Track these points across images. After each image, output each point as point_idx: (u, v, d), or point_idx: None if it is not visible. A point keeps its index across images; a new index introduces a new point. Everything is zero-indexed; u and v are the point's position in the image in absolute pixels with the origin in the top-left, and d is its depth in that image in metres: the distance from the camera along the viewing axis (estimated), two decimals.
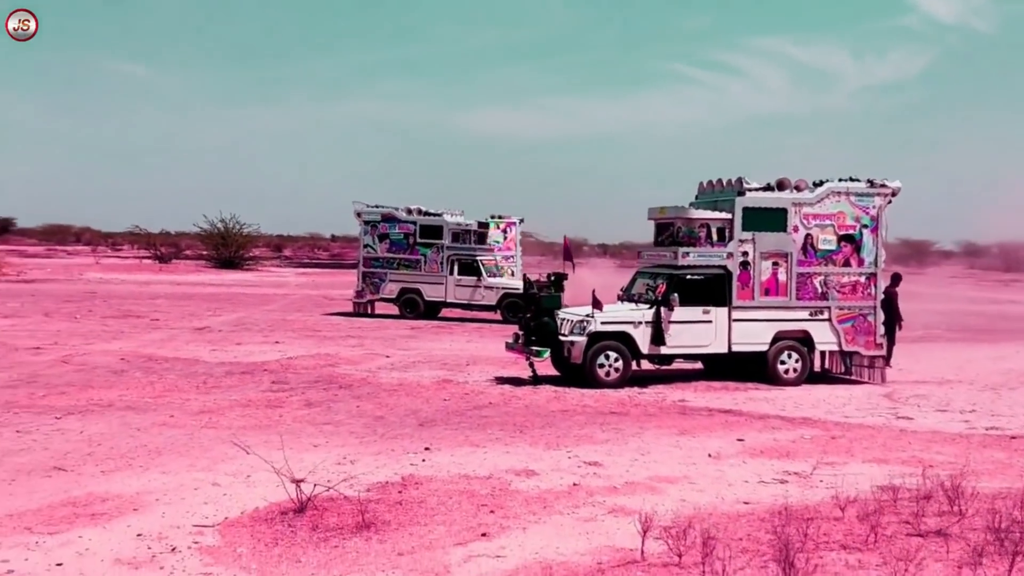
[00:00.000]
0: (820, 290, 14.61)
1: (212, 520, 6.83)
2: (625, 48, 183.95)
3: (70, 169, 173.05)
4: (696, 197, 15.53)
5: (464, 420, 11.01)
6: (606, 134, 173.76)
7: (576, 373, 13.92)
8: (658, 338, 13.97)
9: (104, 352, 16.22)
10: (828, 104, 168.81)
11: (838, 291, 14.68)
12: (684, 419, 11.43)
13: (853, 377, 15.16)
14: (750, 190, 14.48)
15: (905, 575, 5.60)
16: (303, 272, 53.24)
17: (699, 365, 15.21)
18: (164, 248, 58.29)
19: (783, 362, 14.45)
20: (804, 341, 14.61)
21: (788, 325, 14.53)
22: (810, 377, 14.67)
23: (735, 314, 14.28)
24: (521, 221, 29.42)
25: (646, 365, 14.62)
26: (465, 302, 25.45)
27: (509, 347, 14.69)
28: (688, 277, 14.19)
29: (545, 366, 14.33)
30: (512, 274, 26.66)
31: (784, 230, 14.47)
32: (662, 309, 13.94)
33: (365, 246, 26.09)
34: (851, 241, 14.73)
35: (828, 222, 14.63)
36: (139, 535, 6.48)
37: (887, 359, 15.38)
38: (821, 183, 14.71)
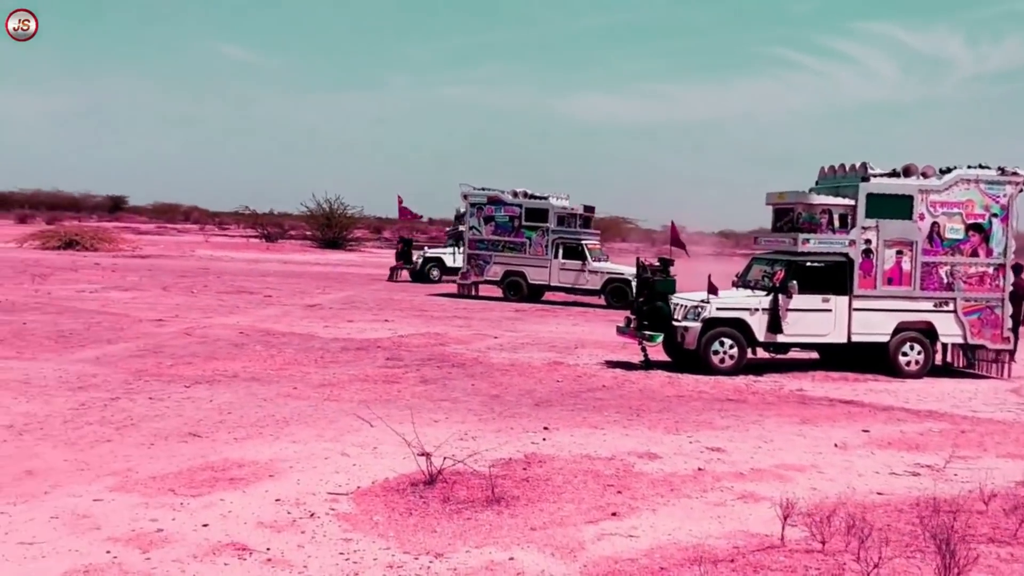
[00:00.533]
0: (946, 280, 14.09)
1: (345, 488, 6.96)
2: (728, 32, 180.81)
3: (180, 149, 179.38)
4: (816, 182, 15.11)
5: (579, 402, 10.98)
6: (706, 120, 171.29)
7: (689, 359, 13.74)
8: (775, 326, 13.68)
9: (223, 326, 16.71)
10: (939, 93, 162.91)
11: (964, 282, 14.13)
12: (804, 408, 11.18)
13: (975, 371, 14.60)
14: (875, 176, 14.02)
15: None
16: None
17: (814, 355, 14.84)
18: (270, 228, 59.83)
19: (905, 354, 14.00)
20: (927, 333, 14.14)
21: (911, 316, 14.07)
22: (930, 370, 14.20)
23: (856, 303, 13.88)
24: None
25: (759, 353, 14.34)
26: (569, 286, 25.35)
27: (621, 331, 14.58)
28: (808, 264, 13.85)
29: (655, 351, 14.17)
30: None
31: (910, 218, 13.99)
32: (780, 296, 13.64)
33: (471, 228, 26.22)
34: (980, 230, 14.16)
35: (956, 210, 14.09)
36: (277, 500, 6.65)
37: (1012, 353, 14.75)
38: (949, 170, 14.17)
